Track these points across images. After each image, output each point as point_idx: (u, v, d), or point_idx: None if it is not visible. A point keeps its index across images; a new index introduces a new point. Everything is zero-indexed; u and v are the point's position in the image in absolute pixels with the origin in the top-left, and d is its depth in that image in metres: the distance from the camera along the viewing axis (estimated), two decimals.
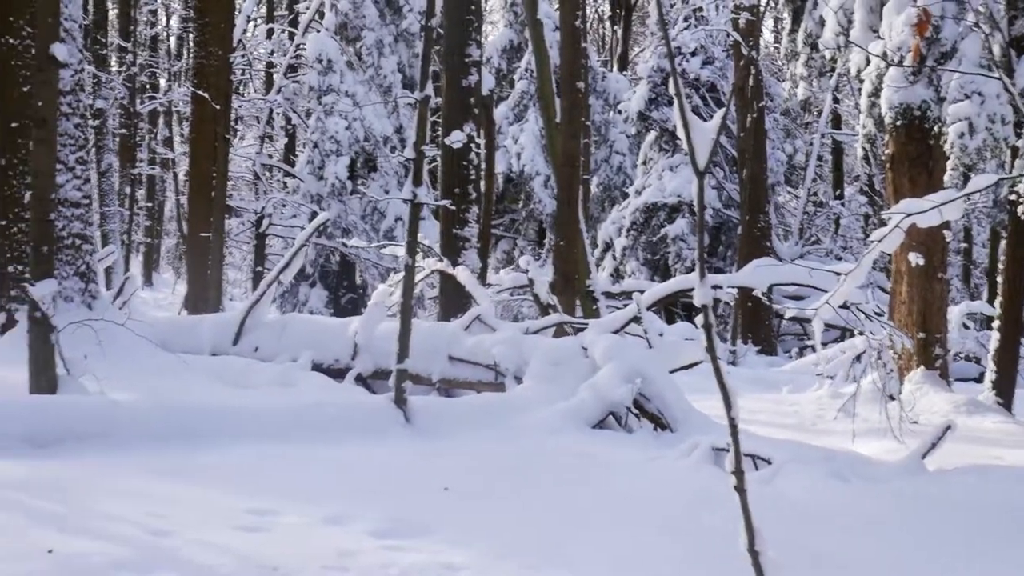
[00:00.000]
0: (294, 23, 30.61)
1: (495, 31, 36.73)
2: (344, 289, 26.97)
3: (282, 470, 6.81)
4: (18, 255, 10.90)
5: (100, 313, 10.95)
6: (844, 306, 10.59)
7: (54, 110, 8.13)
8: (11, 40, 11.17)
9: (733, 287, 12.67)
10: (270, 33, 30.62)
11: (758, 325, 22.70)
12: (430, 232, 21.00)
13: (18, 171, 11.04)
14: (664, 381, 9.41)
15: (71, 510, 5.49)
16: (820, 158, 31.82)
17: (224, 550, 5.03)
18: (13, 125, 11.05)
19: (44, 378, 8.11)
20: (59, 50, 7.98)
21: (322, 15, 27.66)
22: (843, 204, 31.70)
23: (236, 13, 21.55)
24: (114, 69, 33.12)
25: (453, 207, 15.09)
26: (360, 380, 11.26)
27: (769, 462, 7.48)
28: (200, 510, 5.68)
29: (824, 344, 17.21)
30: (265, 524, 5.55)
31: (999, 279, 13.54)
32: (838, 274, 5.67)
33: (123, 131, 32.27)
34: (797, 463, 7.41)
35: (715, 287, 12.07)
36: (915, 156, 13.28)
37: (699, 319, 3.61)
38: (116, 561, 4.68)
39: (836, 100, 32.02)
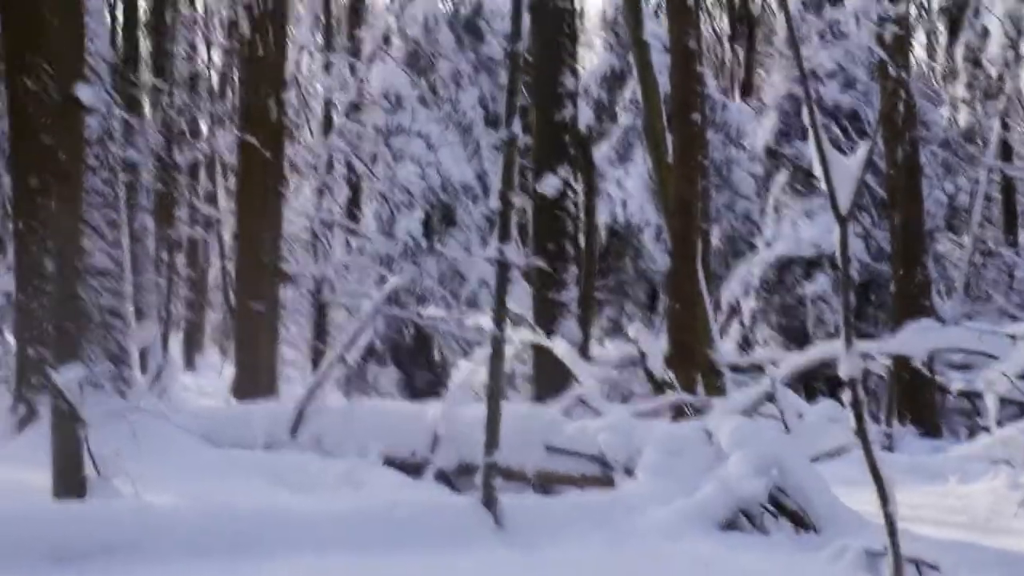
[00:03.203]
0: (356, 53, 31.01)
1: (593, 56, 36.93)
2: (420, 368, 27.04)
3: None
4: (39, 335, 10.98)
5: (135, 402, 11.07)
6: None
7: (79, 163, 8.24)
8: (27, 81, 11.20)
9: (886, 356, 12.51)
10: (328, 66, 31.03)
11: (918, 402, 22.26)
12: (521, 297, 20.95)
13: (37, 236, 11.08)
14: (805, 471, 9.28)
15: None
16: (988, 197, 31.36)
17: None
18: (31, 182, 11.06)
19: (70, 480, 8.18)
20: (84, 92, 8.10)
21: (389, 42, 27.98)
22: (1018, 253, 31.19)
23: (288, 43, 21.88)
24: (148, 113, 33.77)
25: (547, 267, 15.13)
26: (441, 477, 11.23)
27: (935, 568, 7.33)
28: None
29: (1000, 423, 16.86)
30: None
31: None
32: (1014, 338, 5.55)
33: (159, 186, 32.83)
34: (969, 569, 7.24)
35: (864, 356, 11.92)
36: None
37: (846, 395, 3.55)
38: None
39: (1006, 127, 31.60)
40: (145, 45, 38.08)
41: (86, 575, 6.70)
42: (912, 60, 28.00)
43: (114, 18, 32.15)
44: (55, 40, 8.34)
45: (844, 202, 2.99)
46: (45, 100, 11.11)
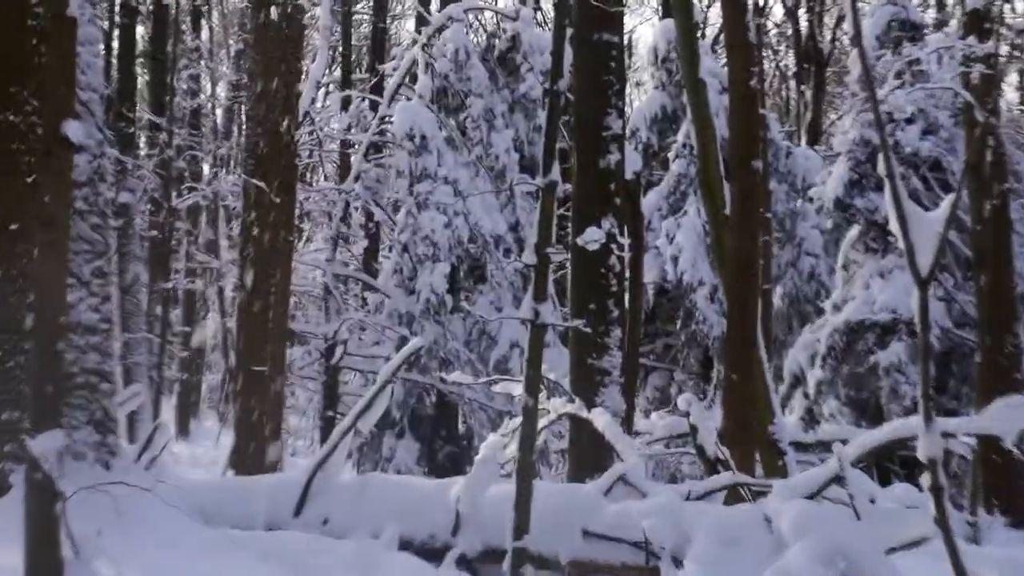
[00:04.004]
0: (378, 89, 31.16)
1: (642, 95, 37.06)
2: (442, 440, 27.00)
3: None
4: (15, 397, 10.96)
5: (121, 474, 11.02)
6: None
7: (66, 207, 8.24)
8: (11, 117, 11.26)
9: (971, 435, 12.38)
10: (347, 103, 31.16)
11: (1008, 488, 22.08)
12: (557, 363, 20.92)
13: (16, 286, 11.09)
14: (878, 565, 9.17)
15: None
16: None
17: None
18: (12, 227, 11.05)
19: (45, 561, 8.14)
20: (73, 129, 8.12)
21: (415, 79, 28.09)
22: None
23: (303, 77, 21.97)
24: (143, 153, 34.01)
25: (588, 329, 15.07)
26: (464, 563, 11.15)
27: None
28: None
29: None
30: None
31: None
32: None
33: (154, 233, 33.02)
34: None
35: (946, 435, 11.80)
36: None
37: (925, 479, 3.48)
38: None
39: None
40: (143, 77, 38.51)
41: None
42: (1002, 103, 27.96)
43: (109, 48, 32.51)
44: (42, 72, 8.35)
45: (924, 261, 2.94)
46: (30, 137, 11.15)
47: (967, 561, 3.08)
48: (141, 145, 36.20)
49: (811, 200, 31.15)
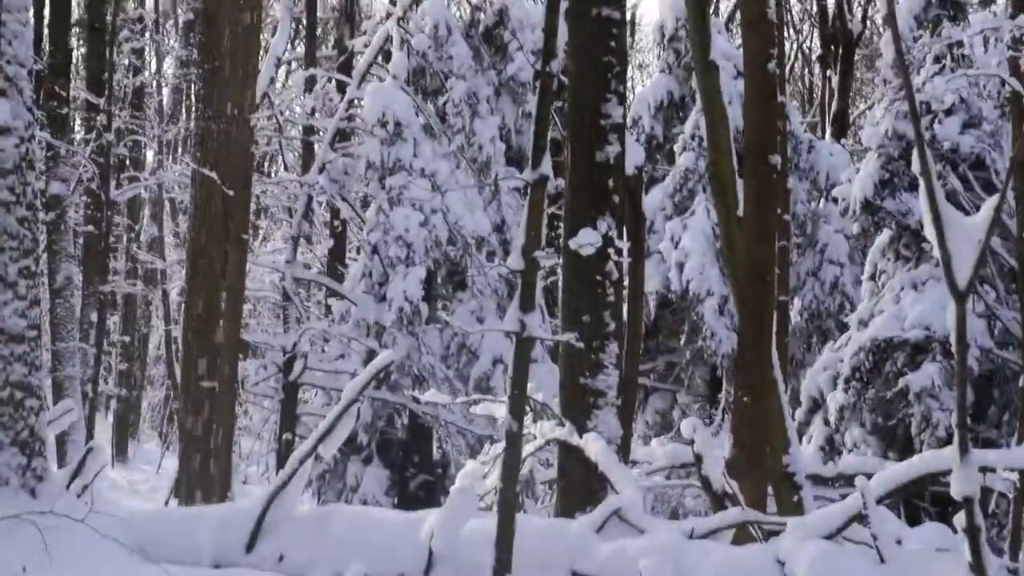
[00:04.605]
0: (346, 68, 31.11)
1: (646, 79, 37.11)
2: (415, 468, 27.02)
3: None
4: None
5: (49, 502, 11.04)
6: None
7: None
8: None
9: (1013, 469, 12.43)
10: (311, 83, 31.08)
11: None
12: (546, 381, 20.91)
13: None
14: None
15: None
16: None
17: None
18: None
19: None
20: None
21: (388, 57, 28.04)
22: None
23: (262, 54, 21.93)
24: (78, 137, 33.95)
25: (581, 344, 15.07)
26: None
27: None
28: None
29: None
30: None
31: None
32: None
33: (90, 229, 32.92)
34: None
35: (984, 469, 11.83)
36: None
37: (959, 519, 3.50)
38: None
39: None
40: (79, 51, 38.40)
41: None
42: None
43: (40, 15, 32.38)
44: None
45: (963, 272, 2.95)
46: None
47: None
48: (76, 128, 36.20)
49: (835, 201, 31.14)
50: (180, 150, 39.66)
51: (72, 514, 10.14)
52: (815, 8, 45.46)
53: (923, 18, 29.36)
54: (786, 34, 42.13)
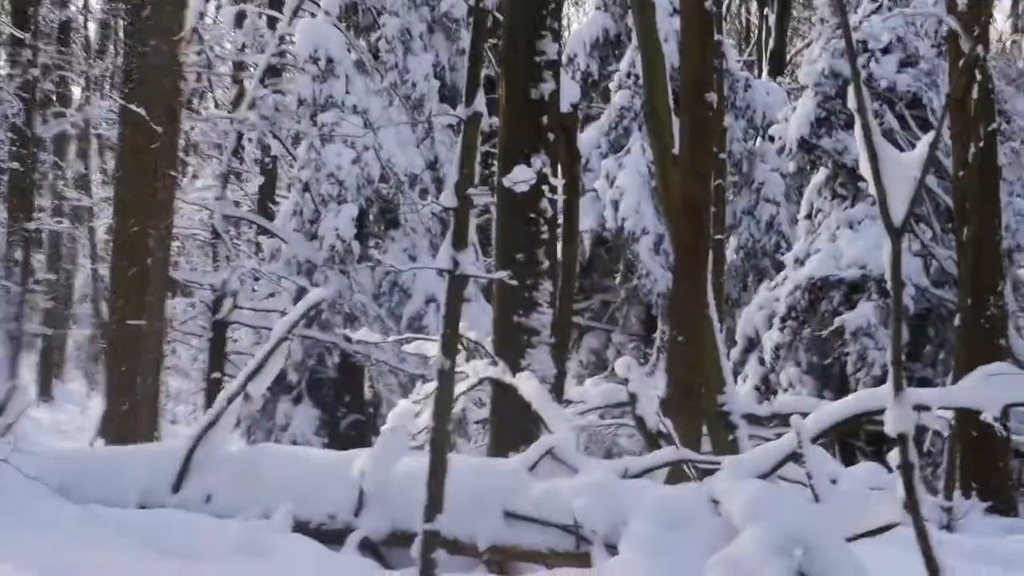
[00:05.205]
0: (277, 3, 30.92)
1: (582, 16, 37.06)
2: (345, 407, 27.01)
3: None
4: None
5: None
6: None
7: None
8: None
9: (947, 408, 12.51)
10: (240, 19, 30.86)
11: (987, 468, 22.28)
12: (479, 320, 20.93)
13: None
14: (839, 554, 9.25)
15: None
16: None
17: None
18: None
19: None
20: None
21: None
22: None
23: None
24: (3, 72, 33.63)
25: (514, 282, 15.05)
26: (368, 547, 11.14)
27: None
28: None
29: None
30: None
31: None
32: None
33: (15, 165, 32.65)
34: None
35: (919, 408, 11.90)
36: None
37: (894, 457, 3.51)
38: None
39: None
40: None
41: None
42: (991, 32, 28.05)
43: None
44: None
45: (899, 210, 2.94)
46: None
47: (940, 551, 3.11)
48: (1, 63, 35.78)
49: (772, 139, 31.25)
50: (107, 86, 39.28)
51: None
52: None
53: None
54: None
